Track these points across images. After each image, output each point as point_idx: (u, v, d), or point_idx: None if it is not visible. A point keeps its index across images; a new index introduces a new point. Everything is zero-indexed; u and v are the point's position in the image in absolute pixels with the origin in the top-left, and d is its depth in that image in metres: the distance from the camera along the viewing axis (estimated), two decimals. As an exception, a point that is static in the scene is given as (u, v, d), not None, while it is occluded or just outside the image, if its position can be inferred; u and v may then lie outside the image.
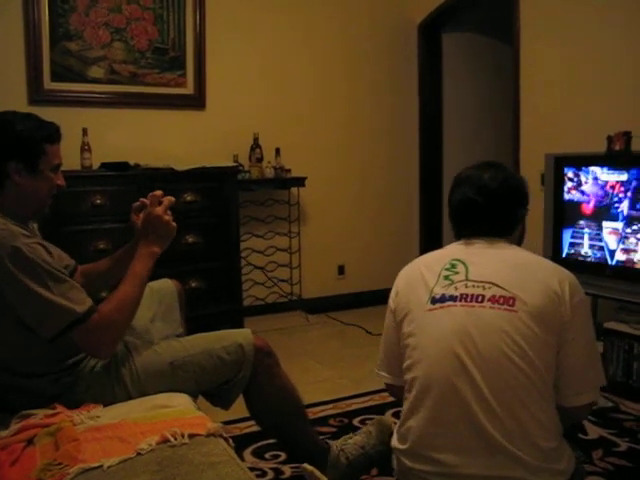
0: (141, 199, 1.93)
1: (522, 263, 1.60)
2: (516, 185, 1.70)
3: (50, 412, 1.60)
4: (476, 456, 1.45)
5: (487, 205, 1.65)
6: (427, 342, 1.55)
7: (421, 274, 1.66)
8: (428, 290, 1.60)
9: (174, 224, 1.84)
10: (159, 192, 1.85)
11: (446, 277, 1.60)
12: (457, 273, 1.59)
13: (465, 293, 1.55)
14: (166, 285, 2.22)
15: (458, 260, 1.63)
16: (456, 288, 1.56)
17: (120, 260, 2.05)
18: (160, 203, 1.83)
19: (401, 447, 1.59)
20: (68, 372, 1.72)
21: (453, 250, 1.70)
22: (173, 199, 1.86)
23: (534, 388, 1.46)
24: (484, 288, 1.54)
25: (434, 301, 1.58)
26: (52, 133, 1.75)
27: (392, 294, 1.74)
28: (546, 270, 1.58)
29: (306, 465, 1.65)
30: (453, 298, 1.55)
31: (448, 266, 1.62)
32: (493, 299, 1.51)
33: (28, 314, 1.59)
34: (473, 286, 1.55)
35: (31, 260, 1.57)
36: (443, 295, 1.57)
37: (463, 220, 1.72)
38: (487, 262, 1.61)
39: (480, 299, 1.52)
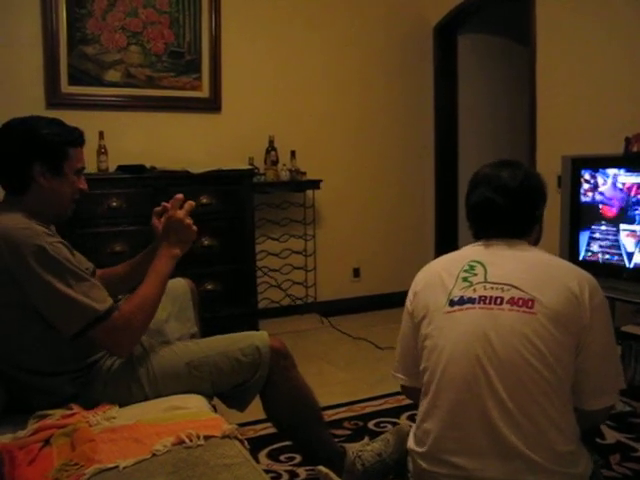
0: (163, 203, 1.96)
1: (541, 265, 1.58)
2: (535, 184, 1.68)
3: (66, 412, 1.61)
4: (492, 460, 1.44)
5: (507, 205, 1.63)
6: (445, 344, 1.54)
7: (439, 276, 1.65)
8: (446, 292, 1.59)
9: (195, 227, 1.88)
10: (180, 196, 1.88)
11: (464, 279, 1.59)
12: (475, 275, 1.58)
13: (484, 295, 1.53)
14: (180, 284, 2.24)
15: (477, 262, 1.61)
16: (475, 290, 1.55)
17: (139, 264, 2.07)
18: (181, 207, 1.87)
19: (418, 450, 1.58)
20: (86, 371, 1.74)
21: (471, 251, 1.68)
22: (194, 204, 1.90)
23: (552, 391, 1.44)
24: (503, 290, 1.52)
25: (452, 303, 1.56)
26: (76, 137, 1.80)
27: (409, 296, 1.73)
28: (565, 272, 1.56)
29: (321, 467, 1.65)
30: (472, 300, 1.54)
31: (467, 268, 1.61)
32: (512, 301, 1.50)
33: (50, 312, 1.62)
34: (492, 288, 1.54)
35: (54, 258, 1.60)
36: (462, 297, 1.55)
37: (482, 220, 1.70)
38: (506, 263, 1.59)
39: (499, 301, 1.51)
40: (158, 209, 2.00)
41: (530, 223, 1.69)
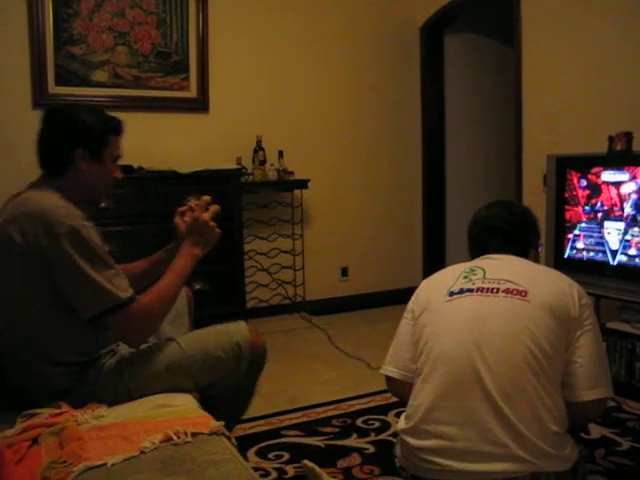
0: (189, 203, 2.02)
1: (535, 269, 1.79)
2: (531, 219, 1.94)
3: (55, 411, 1.62)
4: (486, 432, 1.49)
5: (505, 227, 1.87)
6: (442, 326, 1.67)
7: (441, 280, 1.82)
8: (447, 288, 1.73)
9: (219, 230, 1.95)
10: (208, 198, 1.97)
11: (465, 277, 1.74)
12: (475, 274, 1.74)
13: (481, 286, 1.69)
14: None
15: (477, 266, 1.78)
16: (473, 283, 1.71)
17: (158, 262, 2.12)
18: (207, 209, 1.93)
19: (406, 426, 1.64)
20: (82, 367, 1.76)
21: (473, 262, 1.85)
22: (219, 208, 1.98)
23: (543, 374, 1.53)
24: (499, 283, 1.68)
25: (452, 294, 1.71)
26: (116, 125, 1.86)
27: (412, 298, 1.88)
28: (556, 275, 1.76)
29: (306, 461, 1.67)
30: (470, 290, 1.70)
31: (467, 270, 1.78)
32: (507, 291, 1.65)
33: (73, 293, 1.66)
34: (489, 282, 1.70)
35: (86, 241, 1.64)
36: (461, 289, 1.71)
37: (483, 242, 1.89)
38: (503, 266, 1.77)
39: (495, 291, 1.67)
40: (182, 209, 2.05)
41: (526, 246, 1.88)
